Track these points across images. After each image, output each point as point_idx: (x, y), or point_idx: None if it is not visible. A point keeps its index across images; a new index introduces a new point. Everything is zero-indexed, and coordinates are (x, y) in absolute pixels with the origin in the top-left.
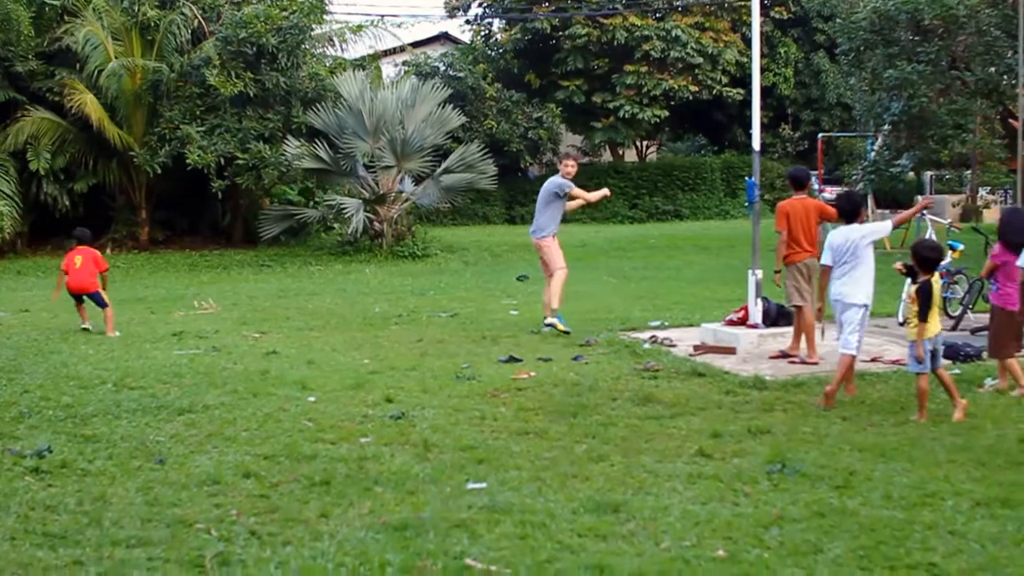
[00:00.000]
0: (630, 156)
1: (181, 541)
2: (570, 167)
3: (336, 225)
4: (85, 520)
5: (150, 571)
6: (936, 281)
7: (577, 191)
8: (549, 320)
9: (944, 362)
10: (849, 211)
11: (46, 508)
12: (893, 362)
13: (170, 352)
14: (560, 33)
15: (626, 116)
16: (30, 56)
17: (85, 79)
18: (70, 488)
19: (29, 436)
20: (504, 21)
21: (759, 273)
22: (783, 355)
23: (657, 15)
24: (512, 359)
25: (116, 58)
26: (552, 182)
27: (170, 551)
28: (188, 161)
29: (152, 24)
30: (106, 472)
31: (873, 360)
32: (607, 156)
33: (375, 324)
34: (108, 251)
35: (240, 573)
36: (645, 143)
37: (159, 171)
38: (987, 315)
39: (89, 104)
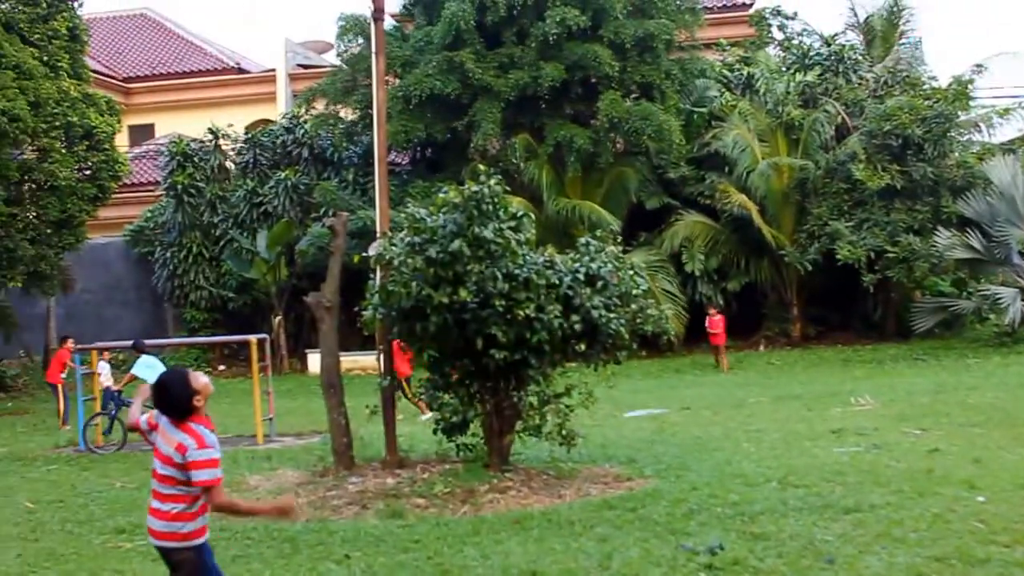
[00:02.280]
0: None
1: None
2: None
3: (991, 316)
4: None
5: None
6: None
7: None
8: None
9: None
10: None
11: None
12: None
13: (831, 450)
14: None
15: None
16: (681, 163)
17: (734, 181)
18: None
19: (700, 532)
20: None
21: None
22: None
23: None
24: None
25: (763, 159)
26: None
27: None
28: (838, 257)
29: (796, 123)
30: (777, 571)
31: None
32: None
33: None
34: (761, 348)
35: None
36: None
37: (809, 267)
38: None
39: (747, 203)
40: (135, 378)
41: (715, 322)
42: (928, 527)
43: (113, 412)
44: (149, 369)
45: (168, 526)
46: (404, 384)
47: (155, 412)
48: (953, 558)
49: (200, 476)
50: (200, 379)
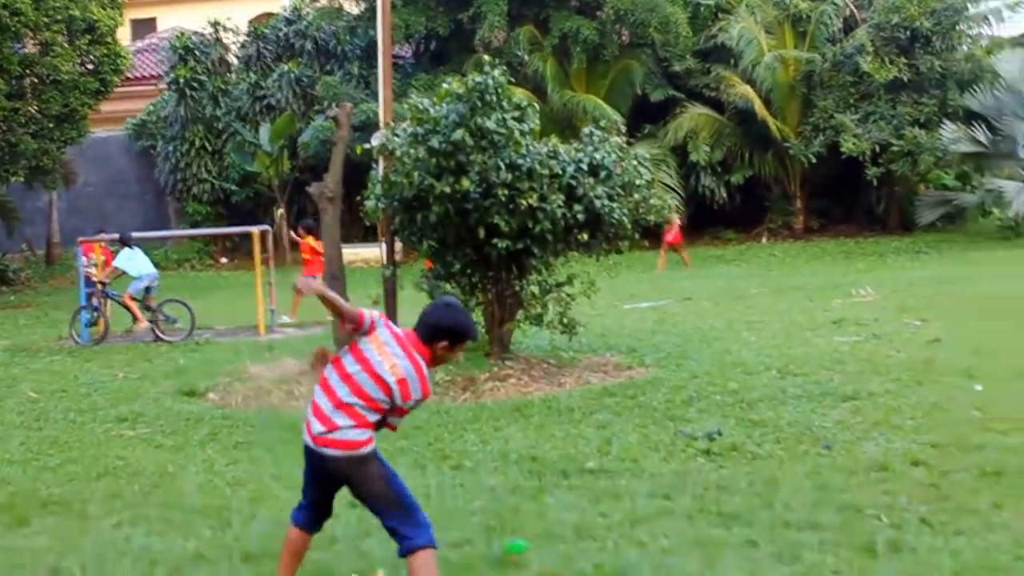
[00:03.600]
0: None
1: (851, 526)
2: None
3: (995, 210)
4: (757, 501)
5: (822, 553)
6: None
7: None
8: None
9: None
10: None
11: (719, 488)
12: None
13: (831, 339)
14: None
15: None
16: (687, 55)
17: (740, 74)
18: (741, 470)
19: (699, 419)
20: None
21: None
22: None
23: None
24: None
25: (769, 51)
26: None
27: (841, 535)
28: (842, 150)
29: (804, 16)
30: (774, 456)
31: None
32: None
33: None
34: (763, 240)
35: (912, 560)
36: None
37: (813, 160)
38: None
39: (751, 95)
40: (117, 270)
41: (672, 226)
42: (925, 415)
43: (96, 304)
44: (131, 261)
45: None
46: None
47: (379, 315)
48: (949, 445)
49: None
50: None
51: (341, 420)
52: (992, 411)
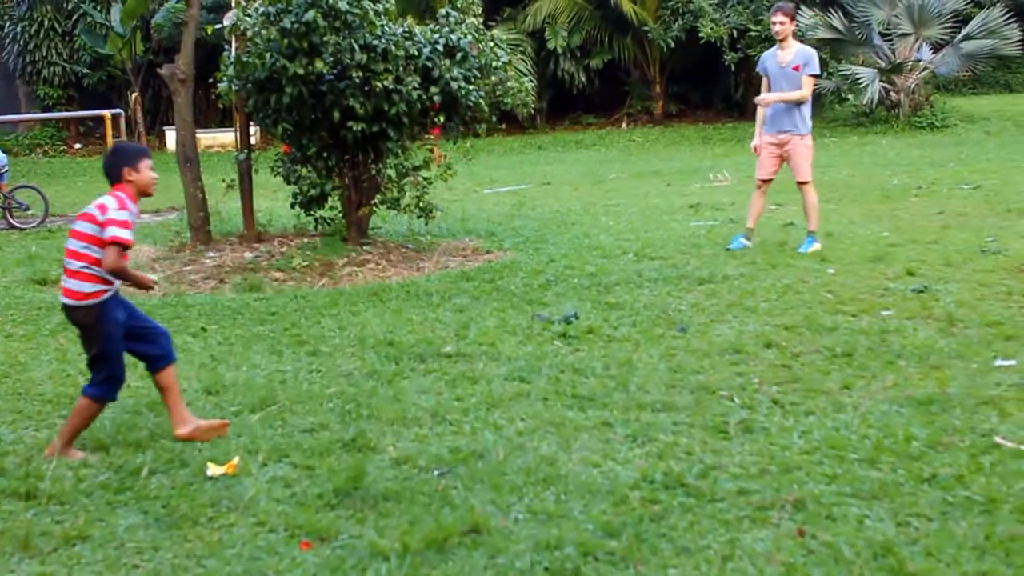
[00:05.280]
0: None
1: (705, 407)
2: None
3: (850, 96)
4: (612, 384)
5: (675, 434)
6: None
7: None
8: None
9: None
10: None
11: (575, 371)
12: None
13: (687, 224)
14: None
15: None
16: None
17: None
18: (597, 353)
19: (556, 303)
20: None
21: None
22: None
23: None
24: None
25: None
26: None
27: (694, 416)
28: (701, 35)
29: None
30: (630, 339)
31: None
32: None
33: (893, 196)
34: (624, 125)
35: (763, 440)
36: None
37: (672, 45)
38: None
39: None
40: None
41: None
42: (779, 297)
43: None
44: None
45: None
46: None
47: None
48: (802, 326)
49: (112, 232)
50: (148, 167)
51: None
52: (843, 294)
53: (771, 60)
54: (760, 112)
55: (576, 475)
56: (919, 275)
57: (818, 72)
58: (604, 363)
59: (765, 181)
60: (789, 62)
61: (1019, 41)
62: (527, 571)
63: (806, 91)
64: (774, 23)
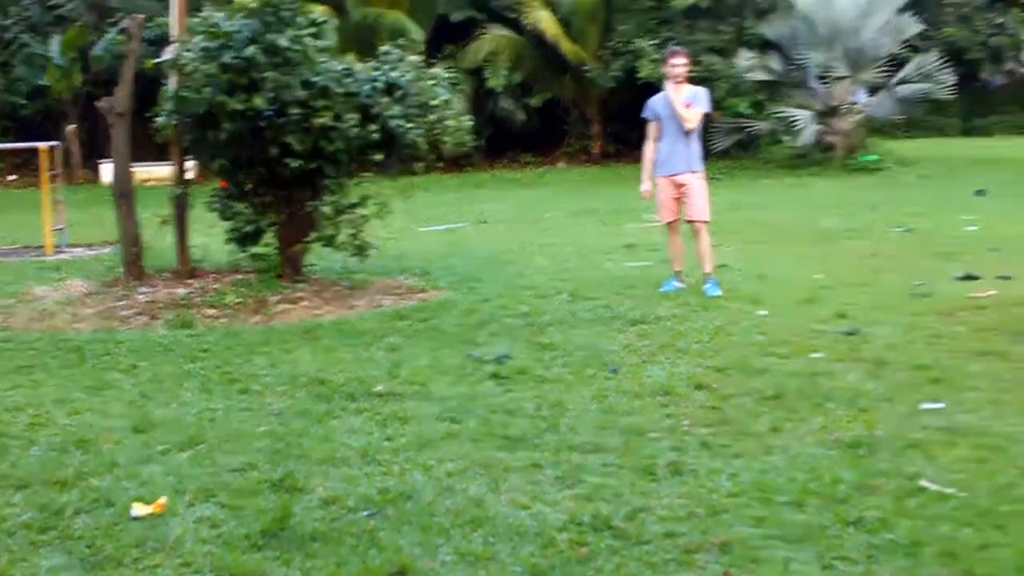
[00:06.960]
0: None
1: (634, 449)
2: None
3: (786, 138)
4: (543, 425)
5: (604, 476)
6: None
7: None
8: None
9: None
10: None
11: (506, 412)
12: None
13: (622, 264)
14: None
15: None
16: None
17: None
18: (528, 394)
19: (489, 343)
20: None
21: None
22: None
23: None
24: (969, 276)
25: None
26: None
27: (624, 458)
28: (640, 75)
29: None
30: (562, 379)
31: None
32: None
33: (826, 238)
34: (562, 164)
35: (692, 482)
36: None
37: (612, 85)
38: None
39: (545, 20)
40: None
41: None
42: (710, 339)
43: None
44: None
45: None
46: None
47: None
48: (732, 368)
49: None
50: None
51: None
52: (774, 336)
53: (662, 103)
54: (648, 156)
55: (504, 517)
56: (850, 318)
57: (710, 111)
58: (535, 404)
59: (672, 222)
60: (683, 101)
61: (953, 85)
62: None
63: (695, 119)
64: (675, 65)
